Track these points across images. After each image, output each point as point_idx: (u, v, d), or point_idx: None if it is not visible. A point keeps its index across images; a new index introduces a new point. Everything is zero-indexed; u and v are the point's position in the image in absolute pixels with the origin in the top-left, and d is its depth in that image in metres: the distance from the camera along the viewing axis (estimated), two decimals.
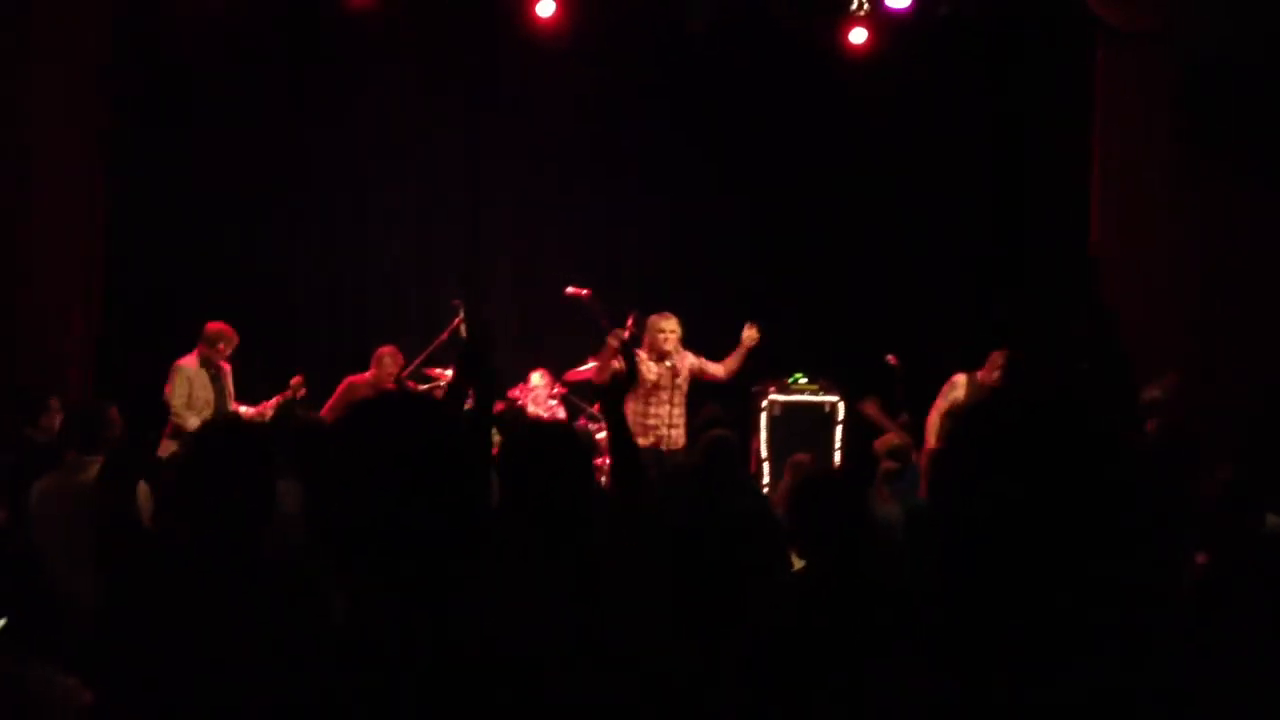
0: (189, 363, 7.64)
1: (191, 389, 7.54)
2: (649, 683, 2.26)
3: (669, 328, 7.50)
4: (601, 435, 8.13)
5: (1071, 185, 9.07)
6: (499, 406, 8.36)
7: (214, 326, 7.76)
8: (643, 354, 7.44)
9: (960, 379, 7.78)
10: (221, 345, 7.73)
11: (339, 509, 1.45)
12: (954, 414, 7.35)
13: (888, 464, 5.86)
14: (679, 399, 7.51)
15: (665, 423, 7.39)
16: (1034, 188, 9.65)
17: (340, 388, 8.16)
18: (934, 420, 7.71)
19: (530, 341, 9.67)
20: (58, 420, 6.56)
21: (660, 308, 7.78)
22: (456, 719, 1.34)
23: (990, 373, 7.66)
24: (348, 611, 1.49)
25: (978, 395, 7.65)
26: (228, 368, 7.89)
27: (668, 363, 7.46)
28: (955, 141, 9.97)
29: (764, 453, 8.73)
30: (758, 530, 3.16)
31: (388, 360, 8.23)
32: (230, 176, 9.26)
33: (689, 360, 7.65)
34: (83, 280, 8.25)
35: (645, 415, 7.42)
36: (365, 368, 8.30)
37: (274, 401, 7.80)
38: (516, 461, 2.68)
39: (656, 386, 7.42)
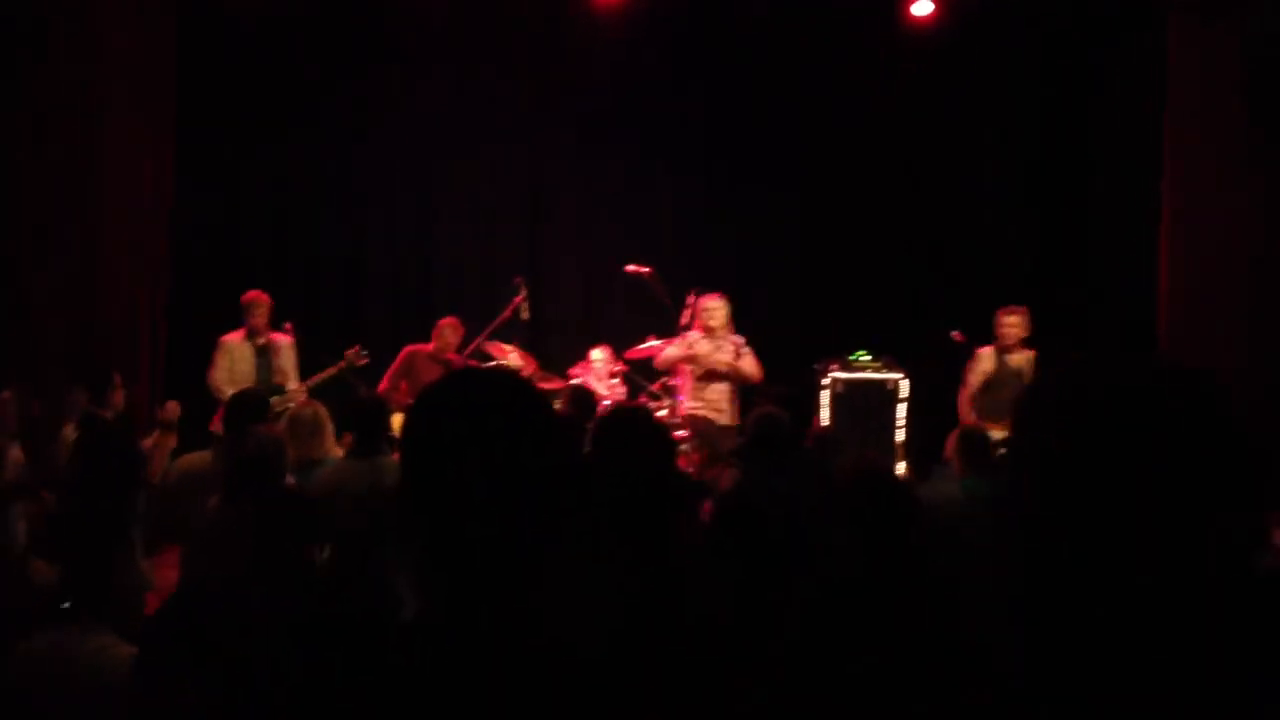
0: (233, 337, 7.69)
1: (232, 362, 7.59)
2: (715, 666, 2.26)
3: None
4: (663, 413, 8.16)
5: (1140, 166, 8.88)
6: (563, 383, 8.41)
7: (247, 296, 7.74)
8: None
9: (985, 351, 7.85)
10: (256, 312, 7.64)
11: (431, 488, 1.39)
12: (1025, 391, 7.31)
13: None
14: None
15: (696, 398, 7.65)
16: (1102, 167, 9.47)
17: (400, 355, 8.26)
18: (966, 398, 7.81)
19: (591, 319, 9.70)
20: (119, 396, 6.73)
21: (721, 287, 7.82)
22: (527, 711, 1.31)
23: (1004, 332, 7.75)
24: (418, 598, 1.44)
25: (1004, 365, 7.77)
26: (288, 341, 7.82)
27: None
28: (1020, 119, 9.81)
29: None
30: (795, 511, 3.16)
31: (448, 331, 8.30)
32: (295, 161, 9.37)
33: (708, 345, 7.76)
34: (152, 266, 8.42)
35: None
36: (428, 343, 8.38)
37: (329, 373, 7.71)
38: (604, 446, 2.68)
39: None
